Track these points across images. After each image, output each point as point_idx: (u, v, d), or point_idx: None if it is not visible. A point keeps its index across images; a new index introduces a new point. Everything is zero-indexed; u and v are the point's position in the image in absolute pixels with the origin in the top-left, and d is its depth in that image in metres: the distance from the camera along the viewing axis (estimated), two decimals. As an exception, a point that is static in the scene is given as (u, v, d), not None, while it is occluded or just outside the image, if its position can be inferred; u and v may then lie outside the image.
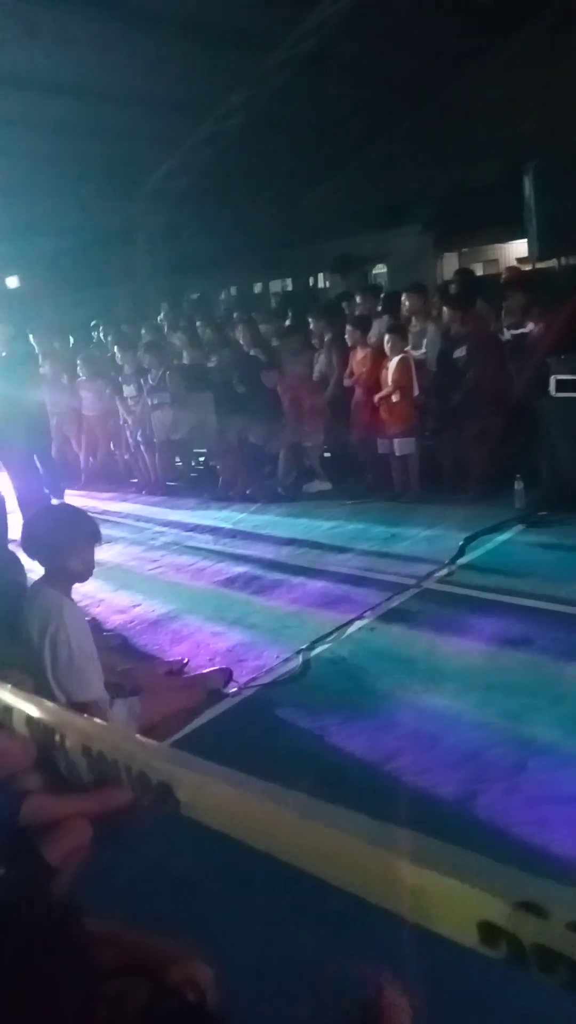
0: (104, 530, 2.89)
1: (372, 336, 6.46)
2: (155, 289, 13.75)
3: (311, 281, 15.86)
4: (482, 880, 0.74)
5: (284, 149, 13.05)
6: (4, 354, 7.41)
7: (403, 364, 5.98)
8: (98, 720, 1.31)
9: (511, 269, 9.62)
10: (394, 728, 2.94)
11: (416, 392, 6.07)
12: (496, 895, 0.72)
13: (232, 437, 7.11)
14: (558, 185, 9.25)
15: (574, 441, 5.12)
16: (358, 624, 3.94)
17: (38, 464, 7.55)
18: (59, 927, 1.26)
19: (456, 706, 3.04)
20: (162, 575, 5.19)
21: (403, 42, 10.87)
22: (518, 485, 5.39)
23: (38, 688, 2.48)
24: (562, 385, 5.10)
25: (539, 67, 11.88)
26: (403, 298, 6.57)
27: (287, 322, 7.68)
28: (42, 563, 2.73)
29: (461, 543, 4.85)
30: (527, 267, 9.70)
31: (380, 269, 14.87)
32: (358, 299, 7.33)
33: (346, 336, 6.57)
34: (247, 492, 6.95)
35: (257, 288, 16.70)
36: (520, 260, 10.75)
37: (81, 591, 3.58)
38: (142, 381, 7.55)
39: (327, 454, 7.13)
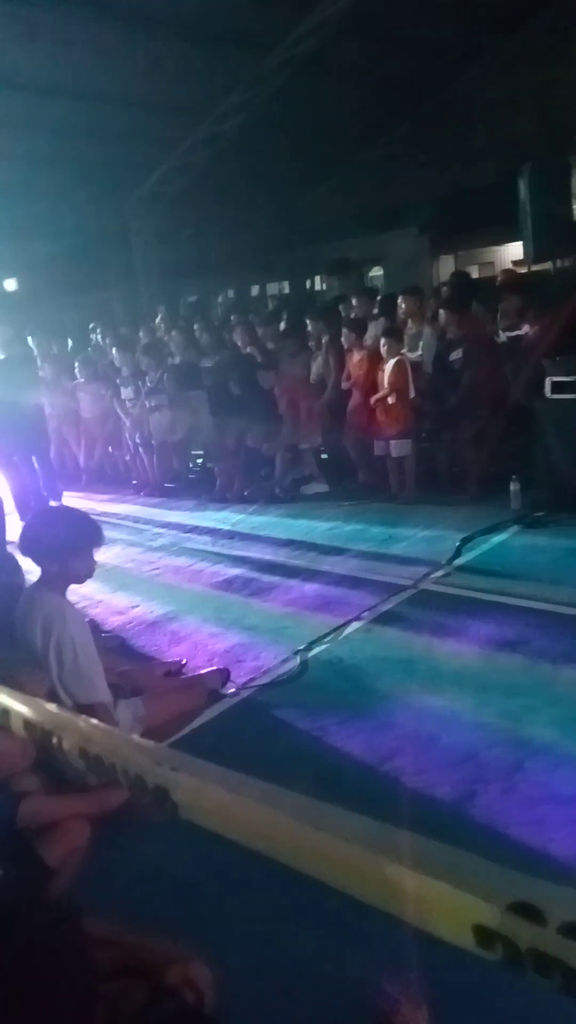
0: (99, 525, 2.88)
1: (368, 338, 6.47)
2: (152, 292, 13.76)
3: (308, 284, 15.88)
4: (476, 883, 0.74)
5: (281, 151, 13.07)
6: (2, 357, 7.41)
7: (399, 366, 6.00)
8: (96, 721, 1.31)
9: (507, 272, 9.66)
10: (392, 729, 2.95)
11: (412, 394, 6.09)
12: (490, 898, 0.73)
13: (229, 439, 7.11)
14: (554, 188, 9.29)
15: (569, 442, 5.13)
16: (356, 625, 3.95)
17: (36, 466, 7.56)
18: (58, 928, 1.27)
19: (454, 707, 3.05)
20: (160, 576, 5.20)
21: (400, 45, 10.91)
22: (514, 486, 5.41)
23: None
24: (557, 387, 5.12)
25: (536, 70, 11.92)
26: (399, 300, 6.58)
27: (282, 325, 7.67)
28: (40, 565, 2.72)
29: (458, 544, 4.86)
30: (523, 269, 9.74)
31: (376, 272, 14.90)
32: (354, 302, 7.34)
33: (342, 339, 6.58)
34: (245, 494, 6.96)
35: (254, 291, 16.71)
36: (516, 263, 10.79)
37: (79, 592, 3.59)
38: (140, 383, 7.55)
39: (324, 456, 7.14)
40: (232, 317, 9.08)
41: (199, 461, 8.29)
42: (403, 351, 6.14)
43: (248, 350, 7.41)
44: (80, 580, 2.78)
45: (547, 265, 9.33)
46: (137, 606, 4.62)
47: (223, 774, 0.98)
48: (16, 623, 2.70)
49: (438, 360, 6.07)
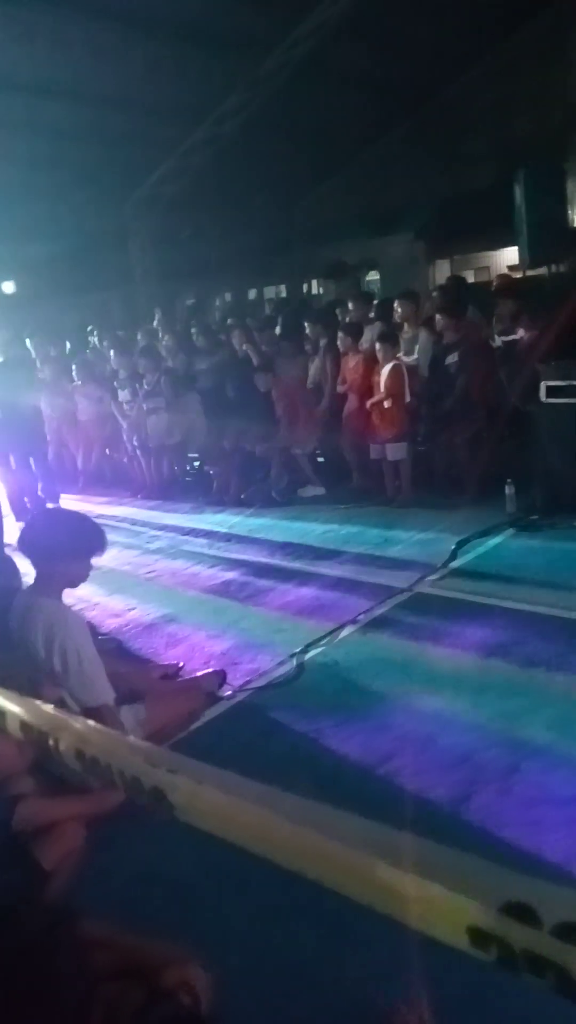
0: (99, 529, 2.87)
1: (364, 342, 6.49)
2: (149, 294, 13.76)
3: (304, 287, 15.91)
4: (472, 882, 0.75)
5: (279, 154, 13.09)
6: (1, 359, 7.42)
7: (396, 371, 6.02)
8: (92, 723, 1.31)
9: (502, 276, 9.69)
10: (388, 731, 2.95)
11: (408, 398, 6.10)
12: (486, 897, 0.73)
13: (225, 442, 7.12)
14: (549, 192, 9.34)
15: (564, 446, 5.15)
16: (352, 627, 3.96)
17: (34, 468, 7.55)
18: (54, 930, 1.27)
19: (450, 709, 3.05)
20: (157, 579, 5.20)
21: (397, 48, 10.94)
22: (509, 489, 5.42)
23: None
24: (552, 391, 5.14)
25: (532, 74, 11.97)
26: (395, 305, 6.60)
27: (277, 329, 7.68)
28: (37, 567, 2.71)
29: (453, 547, 4.87)
30: (518, 274, 9.77)
31: (373, 276, 14.93)
32: (351, 305, 7.36)
33: (338, 342, 6.60)
34: (242, 497, 6.96)
35: (251, 294, 16.73)
36: (511, 267, 10.84)
37: (75, 595, 3.58)
38: (137, 386, 7.56)
39: (320, 459, 7.15)
40: (229, 321, 9.08)
41: (196, 464, 8.29)
42: (399, 355, 6.16)
43: (244, 347, 7.41)
44: (75, 584, 2.77)
45: (542, 270, 9.37)
46: (134, 608, 4.62)
47: (220, 776, 0.99)
48: (11, 627, 2.68)
49: (434, 364, 6.09)
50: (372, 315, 7.14)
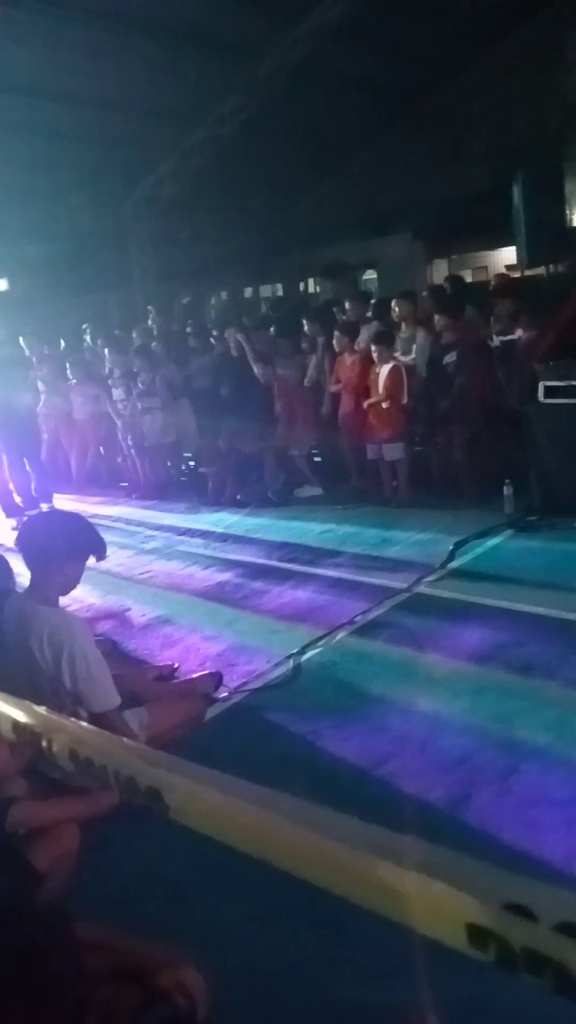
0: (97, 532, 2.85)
1: (361, 342, 6.48)
2: (147, 295, 13.76)
3: (301, 287, 15.92)
4: (470, 882, 0.74)
5: (277, 155, 13.11)
6: (-5, 359, 7.40)
7: (395, 372, 6.01)
8: (86, 724, 1.30)
9: (500, 276, 9.70)
10: (386, 732, 2.94)
11: (406, 399, 6.10)
12: (484, 897, 0.72)
13: (220, 442, 7.11)
14: (547, 193, 9.36)
15: (562, 446, 5.15)
16: (349, 629, 3.94)
17: (28, 468, 7.54)
18: (50, 934, 1.26)
19: (447, 710, 3.05)
20: (153, 579, 5.18)
21: (395, 50, 10.97)
22: (507, 490, 5.42)
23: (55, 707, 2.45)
24: (550, 391, 5.14)
25: (529, 75, 12.00)
26: (392, 304, 6.60)
27: (272, 329, 7.66)
28: (34, 570, 2.67)
29: (451, 548, 4.86)
30: (516, 274, 9.79)
31: (370, 275, 14.95)
32: (347, 305, 7.36)
33: (334, 342, 6.59)
34: (237, 497, 6.95)
35: (247, 293, 16.74)
36: (509, 267, 10.85)
37: (71, 596, 3.56)
38: (132, 385, 7.54)
39: (317, 459, 7.14)
40: (223, 320, 9.07)
41: (191, 464, 8.27)
42: (396, 354, 6.15)
43: (239, 338, 7.39)
44: (70, 588, 2.74)
45: (540, 270, 9.39)
46: (129, 609, 4.61)
47: (216, 777, 0.98)
48: (5, 629, 2.66)
49: (432, 364, 6.08)
50: (369, 314, 7.14)
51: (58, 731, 1.18)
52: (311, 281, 15.71)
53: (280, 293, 15.89)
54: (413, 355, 6.23)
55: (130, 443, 7.71)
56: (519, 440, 5.47)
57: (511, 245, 9.95)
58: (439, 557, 4.77)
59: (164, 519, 6.76)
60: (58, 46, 9.04)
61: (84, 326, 9.96)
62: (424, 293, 7.35)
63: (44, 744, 1.17)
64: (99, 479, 8.45)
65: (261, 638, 3.96)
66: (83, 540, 2.67)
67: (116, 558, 5.58)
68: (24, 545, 2.67)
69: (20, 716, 1.23)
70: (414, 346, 6.25)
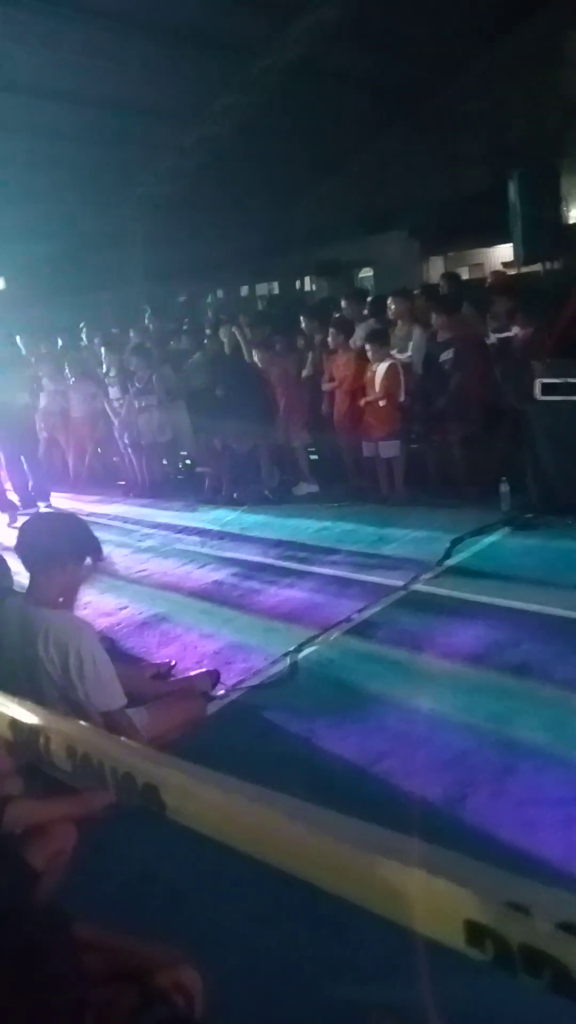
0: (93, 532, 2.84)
1: (357, 340, 6.47)
2: (144, 294, 13.73)
3: (298, 285, 15.91)
4: (470, 881, 0.74)
5: (274, 154, 13.07)
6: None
7: (392, 370, 6.00)
8: (83, 723, 1.30)
9: (496, 273, 9.70)
10: (383, 731, 2.94)
11: (403, 397, 6.09)
12: (484, 895, 0.72)
13: (216, 441, 7.10)
14: (543, 191, 9.37)
15: (559, 444, 5.16)
16: (346, 627, 3.94)
17: (25, 467, 7.52)
18: (49, 933, 1.25)
19: (444, 709, 3.04)
20: (150, 577, 5.17)
21: (392, 49, 10.95)
22: (504, 487, 5.42)
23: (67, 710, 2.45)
24: (547, 388, 5.14)
25: (526, 75, 11.99)
26: (388, 302, 6.59)
27: (268, 329, 7.65)
28: (33, 572, 2.65)
29: (448, 546, 4.87)
30: (512, 271, 9.79)
31: (367, 273, 14.94)
32: (344, 303, 7.35)
33: (329, 339, 6.58)
34: (234, 495, 6.94)
35: (244, 291, 16.71)
36: (505, 264, 10.85)
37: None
38: (128, 383, 7.52)
39: (314, 457, 7.14)
40: (221, 317, 9.06)
41: (188, 462, 8.27)
42: (393, 352, 6.15)
43: (234, 331, 7.37)
44: (69, 590, 2.72)
45: (537, 267, 9.40)
46: (126, 607, 4.60)
47: (213, 776, 0.97)
48: (4, 633, 2.64)
49: (428, 361, 6.08)
50: (366, 312, 7.13)
51: (55, 729, 1.17)
52: (307, 279, 15.69)
53: (276, 291, 15.87)
54: (409, 352, 6.23)
55: (126, 442, 7.70)
56: (516, 438, 5.47)
57: (507, 242, 9.95)
58: (436, 555, 4.77)
59: (161, 517, 6.75)
60: (57, 46, 9.01)
61: (81, 325, 9.94)
62: (416, 291, 7.34)
63: (41, 742, 1.17)
64: (96, 477, 8.44)
65: (258, 636, 3.96)
66: (85, 540, 2.66)
67: (113, 557, 5.58)
68: (25, 547, 2.62)
69: (17, 714, 1.22)
70: (410, 344, 6.24)
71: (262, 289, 16.40)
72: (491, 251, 12.79)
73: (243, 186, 13.84)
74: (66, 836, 2.17)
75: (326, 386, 6.62)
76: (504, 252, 11.04)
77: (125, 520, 6.85)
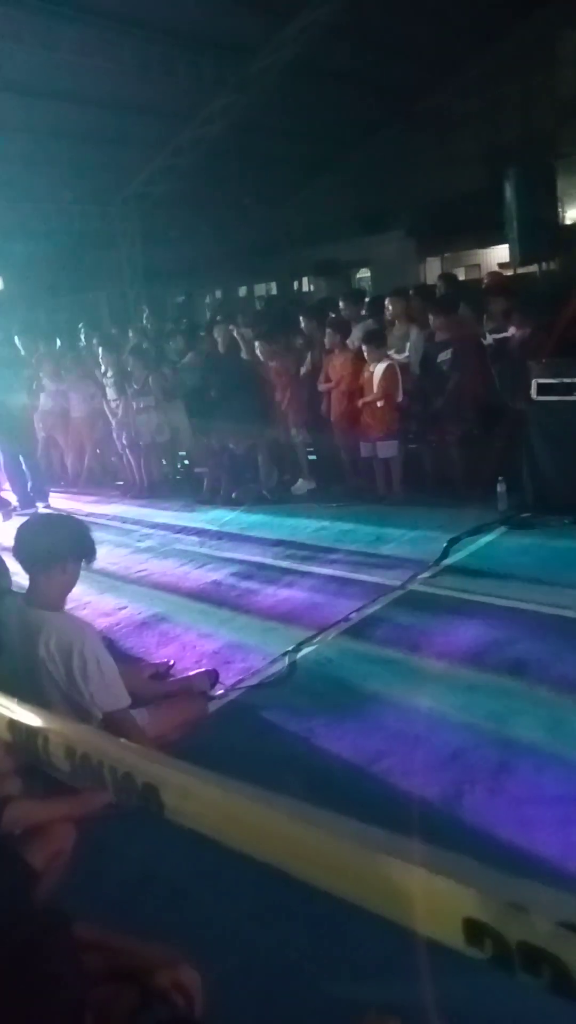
0: (91, 533, 2.84)
1: (355, 340, 6.47)
2: (138, 293, 13.72)
3: (295, 285, 15.91)
4: (468, 880, 0.74)
5: (269, 154, 13.08)
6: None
7: (390, 371, 6.01)
8: (82, 726, 1.30)
9: (493, 274, 9.72)
10: (380, 730, 2.95)
11: (400, 397, 6.10)
12: (483, 894, 0.73)
13: (213, 442, 7.10)
14: (539, 191, 9.37)
15: (555, 444, 5.17)
16: (344, 626, 3.95)
17: (24, 467, 7.52)
18: (48, 933, 1.26)
19: (441, 707, 3.05)
20: (148, 578, 5.17)
21: (388, 49, 10.95)
22: (501, 487, 5.43)
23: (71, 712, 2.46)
24: (543, 389, 5.15)
25: (521, 74, 12.02)
26: (386, 302, 6.60)
27: (265, 328, 7.65)
28: (31, 573, 2.65)
29: (445, 545, 4.87)
30: (508, 272, 9.80)
31: (364, 273, 14.94)
32: (341, 304, 7.35)
33: (325, 339, 6.58)
34: (232, 495, 6.94)
35: (242, 292, 16.71)
36: (502, 265, 10.87)
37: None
38: (125, 384, 7.51)
39: (312, 456, 7.14)
40: (217, 317, 9.06)
41: (186, 463, 8.27)
42: (390, 352, 6.15)
43: (231, 329, 7.36)
44: (68, 590, 2.72)
45: (533, 267, 9.41)
46: (125, 607, 4.60)
47: (212, 777, 0.98)
48: (3, 634, 2.64)
49: (425, 361, 6.09)
50: (364, 312, 7.14)
51: (54, 729, 1.18)
52: (305, 280, 15.69)
53: (274, 292, 15.88)
54: (407, 353, 6.23)
55: (124, 442, 7.69)
56: (513, 438, 5.48)
57: (504, 243, 9.96)
58: (433, 554, 4.78)
59: (159, 517, 6.75)
60: (54, 45, 9.00)
61: (80, 325, 9.94)
62: (411, 292, 7.35)
63: (40, 742, 1.17)
64: (94, 478, 8.44)
65: (256, 636, 3.96)
66: (84, 540, 2.66)
67: (112, 557, 5.58)
68: (25, 548, 2.60)
69: (16, 715, 1.22)
70: (408, 344, 6.25)
71: (260, 289, 16.40)
72: (488, 252, 12.82)
73: (240, 186, 13.85)
74: (65, 836, 2.17)
75: (322, 387, 6.62)
76: (501, 253, 11.06)
77: (124, 520, 6.85)
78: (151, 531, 6.38)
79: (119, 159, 12.26)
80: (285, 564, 5.06)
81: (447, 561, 4.70)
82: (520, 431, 5.34)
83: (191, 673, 3.53)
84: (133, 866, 2.35)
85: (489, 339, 6.01)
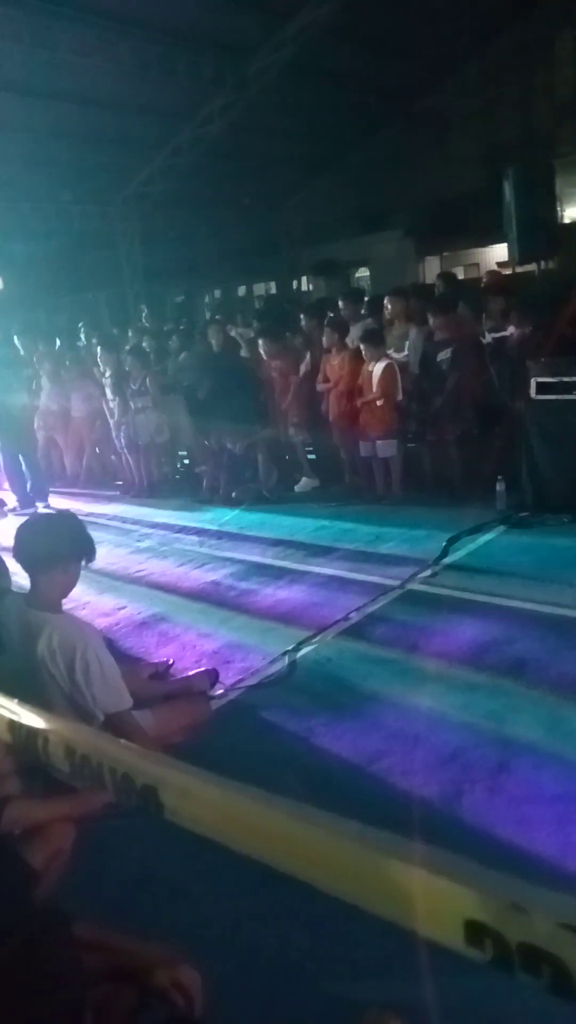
0: (90, 532, 2.83)
1: (354, 339, 6.47)
2: (137, 293, 13.72)
3: (295, 284, 15.91)
4: (469, 881, 0.74)
5: (268, 153, 13.08)
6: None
7: (389, 370, 6.01)
8: (82, 726, 1.30)
9: (492, 273, 9.72)
10: (379, 729, 2.95)
11: (399, 397, 6.10)
12: (483, 895, 0.73)
13: (212, 442, 7.10)
14: (538, 190, 9.37)
15: (554, 443, 5.17)
16: (343, 625, 3.95)
17: (23, 466, 7.52)
18: (48, 933, 1.26)
19: (440, 707, 3.05)
20: (148, 577, 5.17)
21: (384, 50, 10.96)
22: (500, 486, 5.44)
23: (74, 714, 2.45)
24: (542, 388, 5.15)
25: (519, 73, 12.02)
26: (385, 302, 6.60)
27: (264, 326, 7.64)
28: (32, 574, 2.65)
29: (444, 544, 4.88)
30: (507, 271, 9.80)
31: (363, 272, 14.95)
32: (340, 303, 7.35)
33: (323, 339, 6.59)
34: (232, 495, 6.94)
35: (241, 291, 16.71)
36: (500, 264, 10.87)
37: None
38: (123, 383, 7.51)
39: (311, 456, 7.14)
40: (216, 317, 9.06)
41: (186, 462, 8.27)
42: (389, 352, 6.15)
43: (231, 331, 7.35)
44: (68, 591, 2.72)
45: (532, 267, 9.40)
46: (124, 607, 4.60)
47: (211, 777, 0.98)
48: (3, 635, 2.63)
49: (424, 361, 6.09)
50: (363, 312, 7.13)
51: (54, 730, 1.17)
52: (304, 279, 15.70)
53: (273, 291, 15.88)
54: (406, 352, 6.24)
55: (123, 442, 7.69)
56: (511, 437, 5.48)
57: (503, 242, 9.96)
58: (432, 553, 4.78)
59: (159, 517, 6.75)
60: (52, 45, 9.01)
61: (80, 324, 9.94)
62: (409, 291, 7.35)
63: (40, 743, 1.17)
64: (94, 477, 8.44)
65: (256, 635, 3.96)
66: (84, 540, 2.66)
67: (111, 556, 5.58)
68: (25, 549, 2.59)
69: (16, 715, 1.22)
70: (407, 343, 6.25)
71: (259, 289, 16.41)
72: (487, 251, 12.82)
73: (239, 185, 13.85)
74: (65, 836, 2.17)
75: (320, 387, 6.62)
76: (499, 252, 11.06)
77: (123, 520, 6.84)
78: (150, 531, 6.38)
79: (119, 159, 12.25)
80: (284, 563, 5.06)
81: (446, 560, 4.70)
82: (519, 430, 5.34)
83: (191, 673, 3.53)
84: (132, 866, 2.35)
85: (488, 338, 6.01)
